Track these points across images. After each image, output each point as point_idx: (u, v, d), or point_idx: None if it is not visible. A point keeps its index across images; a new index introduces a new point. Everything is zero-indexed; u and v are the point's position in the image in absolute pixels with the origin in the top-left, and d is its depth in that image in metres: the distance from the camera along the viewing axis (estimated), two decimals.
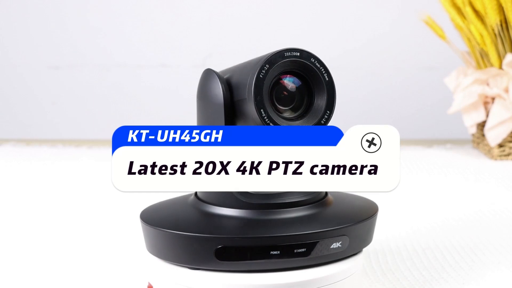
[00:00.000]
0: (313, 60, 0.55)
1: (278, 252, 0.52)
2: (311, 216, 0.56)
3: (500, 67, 1.26)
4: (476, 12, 1.25)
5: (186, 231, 0.53)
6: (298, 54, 0.55)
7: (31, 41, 1.79)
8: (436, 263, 0.69)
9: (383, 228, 0.81)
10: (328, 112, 0.55)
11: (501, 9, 1.22)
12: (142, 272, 0.66)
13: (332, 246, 0.54)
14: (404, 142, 1.50)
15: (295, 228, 0.53)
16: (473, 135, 1.42)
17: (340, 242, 0.54)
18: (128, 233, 0.80)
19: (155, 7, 1.75)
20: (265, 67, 0.54)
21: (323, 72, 0.55)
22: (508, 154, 1.29)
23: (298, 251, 0.53)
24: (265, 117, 0.53)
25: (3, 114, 1.83)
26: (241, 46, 1.72)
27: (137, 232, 0.80)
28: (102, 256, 0.71)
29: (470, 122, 1.31)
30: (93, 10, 1.77)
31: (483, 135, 1.33)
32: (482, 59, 1.30)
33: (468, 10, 1.24)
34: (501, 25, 1.24)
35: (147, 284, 0.57)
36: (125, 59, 1.77)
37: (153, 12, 1.76)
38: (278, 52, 0.54)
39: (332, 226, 0.54)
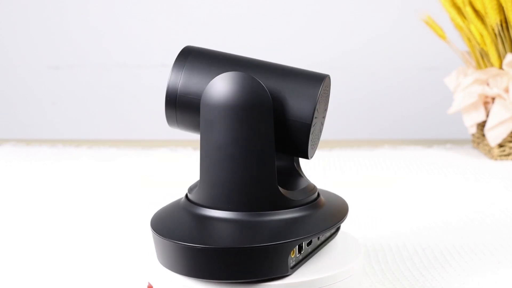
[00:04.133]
0: None
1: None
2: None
3: (500, 67, 1.26)
4: (476, 12, 1.25)
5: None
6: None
7: (31, 41, 1.79)
8: (436, 263, 0.69)
9: (383, 228, 0.81)
10: None
11: (501, 9, 1.22)
12: (142, 272, 0.66)
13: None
14: (404, 142, 1.50)
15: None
16: (473, 135, 1.42)
17: None
18: (128, 233, 0.80)
19: (155, 7, 1.75)
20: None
21: None
22: (508, 154, 1.29)
23: None
24: None
25: (3, 114, 1.83)
26: (241, 46, 1.72)
27: (137, 232, 0.80)
28: (102, 256, 0.71)
29: (470, 122, 1.31)
30: (93, 10, 1.77)
31: (483, 135, 1.33)
32: (482, 59, 1.30)
33: (468, 10, 1.24)
34: (501, 25, 1.24)
35: (147, 284, 0.57)
36: (125, 59, 1.77)
37: (153, 12, 1.76)
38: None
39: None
